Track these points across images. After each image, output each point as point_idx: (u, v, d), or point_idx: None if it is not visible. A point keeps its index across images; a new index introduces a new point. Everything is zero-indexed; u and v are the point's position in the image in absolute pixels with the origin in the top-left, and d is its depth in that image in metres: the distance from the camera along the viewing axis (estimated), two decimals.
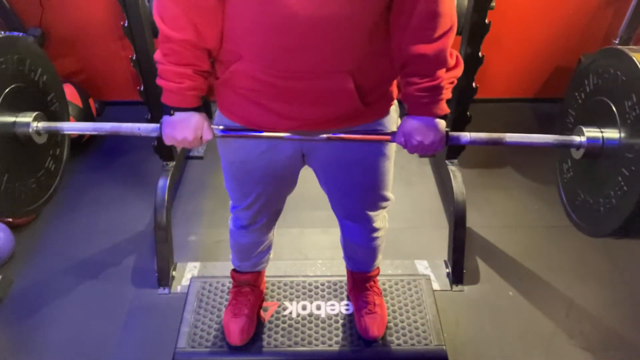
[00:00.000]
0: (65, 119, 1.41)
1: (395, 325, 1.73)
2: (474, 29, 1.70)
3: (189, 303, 1.80)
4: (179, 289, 1.91)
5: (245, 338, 1.65)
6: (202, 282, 1.87)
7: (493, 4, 1.67)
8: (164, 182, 1.96)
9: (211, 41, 1.05)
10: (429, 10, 0.98)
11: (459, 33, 2.00)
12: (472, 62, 1.77)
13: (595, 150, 1.07)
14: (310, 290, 1.85)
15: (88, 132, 1.33)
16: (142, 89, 1.81)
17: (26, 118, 1.16)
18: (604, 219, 1.07)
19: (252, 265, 1.66)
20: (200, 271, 1.97)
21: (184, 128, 1.10)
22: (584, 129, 1.09)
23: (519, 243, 2.10)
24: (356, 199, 1.38)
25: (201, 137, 1.13)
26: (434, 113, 1.08)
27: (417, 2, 0.98)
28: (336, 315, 1.77)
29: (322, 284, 1.87)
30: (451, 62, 1.05)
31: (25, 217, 2.10)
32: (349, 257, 1.68)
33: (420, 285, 1.86)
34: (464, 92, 1.85)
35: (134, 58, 1.76)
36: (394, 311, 1.77)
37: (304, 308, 1.79)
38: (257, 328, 1.71)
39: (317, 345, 1.68)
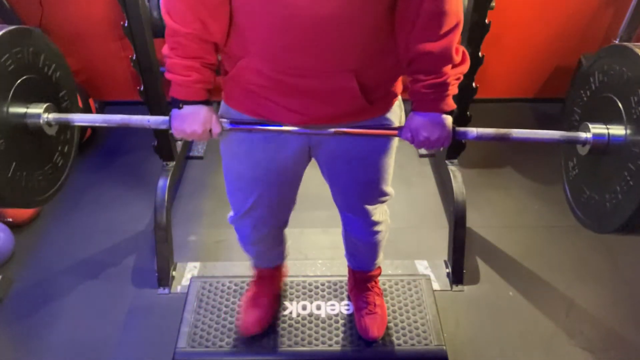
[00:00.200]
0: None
1: (395, 325, 1.73)
2: (474, 29, 1.70)
3: (189, 303, 1.80)
4: (179, 289, 1.91)
5: (261, 327, 1.68)
6: (202, 282, 1.87)
7: (493, 4, 1.67)
8: (164, 182, 1.96)
9: (217, 34, 1.06)
10: (435, 9, 0.98)
11: None
12: (472, 62, 1.76)
13: (602, 146, 1.08)
14: (310, 290, 1.85)
15: (98, 124, 1.34)
16: (142, 89, 1.81)
17: (37, 109, 1.17)
18: (609, 215, 1.07)
19: (269, 264, 1.70)
20: (200, 271, 1.97)
21: (193, 121, 1.11)
22: (590, 125, 1.09)
23: (519, 243, 2.10)
24: (357, 193, 1.39)
25: (210, 131, 1.14)
26: (441, 109, 1.09)
27: (423, 1, 0.98)
28: (336, 315, 1.77)
29: (322, 284, 1.87)
30: (457, 58, 1.06)
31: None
32: (350, 253, 1.68)
33: (420, 285, 1.86)
34: (464, 92, 1.84)
35: (134, 58, 1.76)
36: (394, 311, 1.77)
37: (304, 308, 1.79)
38: None
39: (317, 345, 1.68)
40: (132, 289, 1.93)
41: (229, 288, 1.85)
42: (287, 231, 1.62)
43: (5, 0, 2.38)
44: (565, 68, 2.68)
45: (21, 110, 1.15)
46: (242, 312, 1.71)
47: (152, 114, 1.87)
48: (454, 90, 1.09)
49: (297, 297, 1.82)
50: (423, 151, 2.55)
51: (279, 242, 1.63)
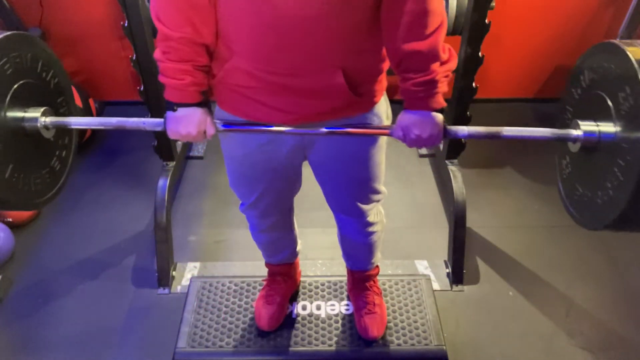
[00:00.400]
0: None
1: (395, 325, 1.73)
2: (474, 29, 1.70)
3: (189, 303, 1.80)
4: (179, 289, 1.91)
5: (274, 325, 1.70)
6: (202, 282, 1.87)
7: (493, 4, 1.67)
8: (164, 182, 1.96)
9: (208, 36, 1.08)
10: (418, 9, 1.00)
11: (458, 33, 2.01)
12: (472, 62, 1.77)
13: (592, 143, 1.09)
14: (310, 290, 1.85)
15: (94, 127, 1.35)
16: (142, 89, 1.81)
17: (35, 113, 1.18)
18: (601, 211, 1.08)
19: (280, 259, 1.70)
20: (200, 271, 1.97)
21: (188, 123, 1.13)
22: (580, 123, 1.10)
23: (519, 243, 2.10)
24: (349, 192, 1.40)
25: (205, 132, 1.15)
26: (431, 107, 1.10)
27: (407, 1, 1.00)
28: (336, 315, 1.77)
29: (322, 284, 1.87)
30: (444, 56, 1.07)
31: (23, 211, 2.09)
32: (346, 254, 1.68)
33: (420, 285, 1.86)
34: (464, 92, 1.85)
35: (134, 58, 1.76)
36: (394, 311, 1.77)
37: (304, 308, 1.79)
38: (256, 329, 1.71)
39: (317, 345, 1.68)
40: (132, 289, 1.93)
41: (229, 288, 1.85)
42: None
43: (6, 0, 2.38)
44: (565, 68, 2.68)
45: (19, 113, 1.16)
46: (256, 309, 1.72)
47: (152, 114, 1.87)
48: (443, 87, 1.10)
49: (297, 297, 1.82)
50: (423, 151, 2.55)
51: (288, 231, 1.63)
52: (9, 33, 1.13)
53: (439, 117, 1.12)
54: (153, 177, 2.07)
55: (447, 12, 2.05)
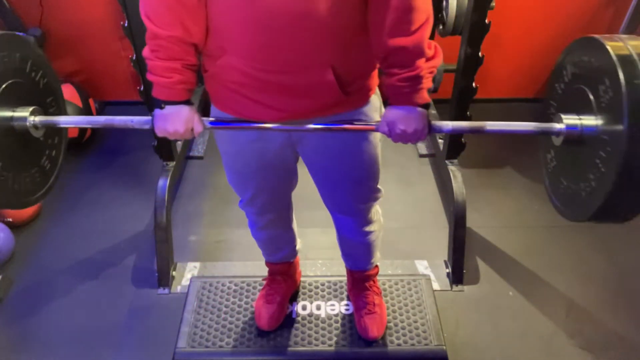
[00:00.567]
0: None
1: (395, 325, 1.73)
2: (474, 29, 1.70)
3: (189, 303, 1.80)
4: (179, 289, 1.91)
5: (274, 324, 1.70)
6: (202, 282, 1.87)
7: (493, 4, 1.67)
8: (164, 182, 1.96)
9: (197, 36, 1.09)
10: (404, 5, 1.01)
11: (458, 33, 2.01)
12: (472, 62, 1.77)
13: (574, 135, 1.11)
14: (310, 290, 1.85)
15: (83, 126, 1.36)
16: (142, 89, 1.81)
17: (24, 112, 1.19)
18: (585, 203, 1.10)
19: (279, 257, 1.70)
20: (200, 271, 1.97)
21: (175, 121, 1.14)
22: (563, 117, 1.13)
23: (519, 243, 2.10)
24: (345, 190, 1.40)
25: (192, 130, 1.16)
26: (415, 102, 1.12)
27: None
28: (336, 315, 1.77)
29: (322, 284, 1.87)
30: (429, 52, 1.08)
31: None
32: (345, 254, 1.69)
33: (420, 285, 1.86)
34: (464, 92, 1.85)
35: (134, 58, 1.76)
36: (394, 311, 1.77)
37: (304, 308, 1.79)
38: (256, 329, 1.71)
39: (317, 345, 1.68)
40: (132, 289, 1.93)
41: (229, 288, 1.85)
42: None
43: (6, 1, 2.38)
44: None
45: (7, 113, 1.17)
46: (256, 308, 1.73)
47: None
48: (428, 83, 1.11)
49: (297, 297, 1.82)
50: (423, 151, 2.55)
51: (286, 228, 1.62)
52: None
53: (424, 112, 1.14)
54: (153, 177, 2.07)
55: (447, 12, 2.05)
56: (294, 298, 1.81)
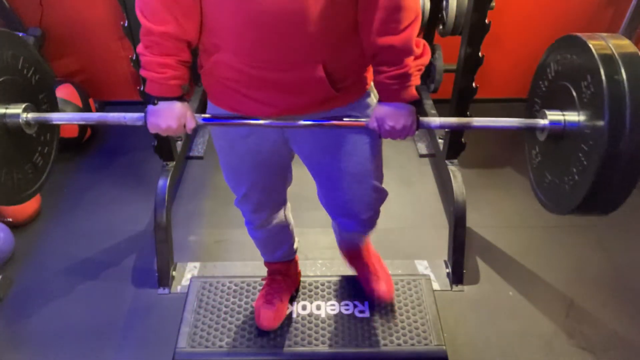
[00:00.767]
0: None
1: (395, 325, 1.73)
2: (474, 29, 1.70)
3: (189, 303, 1.80)
4: (179, 289, 1.91)
5: (274, 325, 1.70)
6: (202, 282, 1.87)
7: (493, 4, 1.68)
8: (164, 182, 1.96)
9: (191, 32, 1.10)
10: (392, 5, 1.03)
11: (458, 33, 2.01)
12: (472, 62, 1.77)
13: (558, 130, 1.14)
14: (310, 291, 1.85)
15: (75, 122, 1.36)
16: (142, 89, 1.81)
17: (16, 109, 1.20)
18: (568, 196, 1.13)
19: (278, 257, 1.70)
20: (200, 271, 1.98)
21: (168, 117, 1.15)
22: (547, 112, 1.16)
23: (519, 243, 2.10)
24: (346, 189, 1.38)
25: (185, 125, 1.17)
26: (404, 99, 1.14)
27: None
28: (336, 315, 1.77)
29: (322, 284, 1.87)
30: (417, 50, 1.10)
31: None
32: (340, 241, 1.70)
33: (420, 285, 1.86)
34: (464, 92, 1.85)
35: (133, 58, 1.76)
36: (394, 311, 1.77)
37: (304, 308, 1.79)
38: (256, 329, 1.71)
39: (317, 345, 1.68)
40: (132, 289, 1.93)
41: (229, 288, 1.85)
42: None
43: (6, 1, 2.38)
44: None
45: (0, 110, 1.18)
46: (256, 308, 1.72)
47: None
48: (416, 80, 1.13)
49: (297, 297, 1.82)
50: (423, 151, 2.55)
51: (282, 226, 1.61)
52: None
53: (412, 109, 1.16)
54: (153, 177, 2.07)
55: (447, 12, 2.05)
56: (293, 298, 1.81)
